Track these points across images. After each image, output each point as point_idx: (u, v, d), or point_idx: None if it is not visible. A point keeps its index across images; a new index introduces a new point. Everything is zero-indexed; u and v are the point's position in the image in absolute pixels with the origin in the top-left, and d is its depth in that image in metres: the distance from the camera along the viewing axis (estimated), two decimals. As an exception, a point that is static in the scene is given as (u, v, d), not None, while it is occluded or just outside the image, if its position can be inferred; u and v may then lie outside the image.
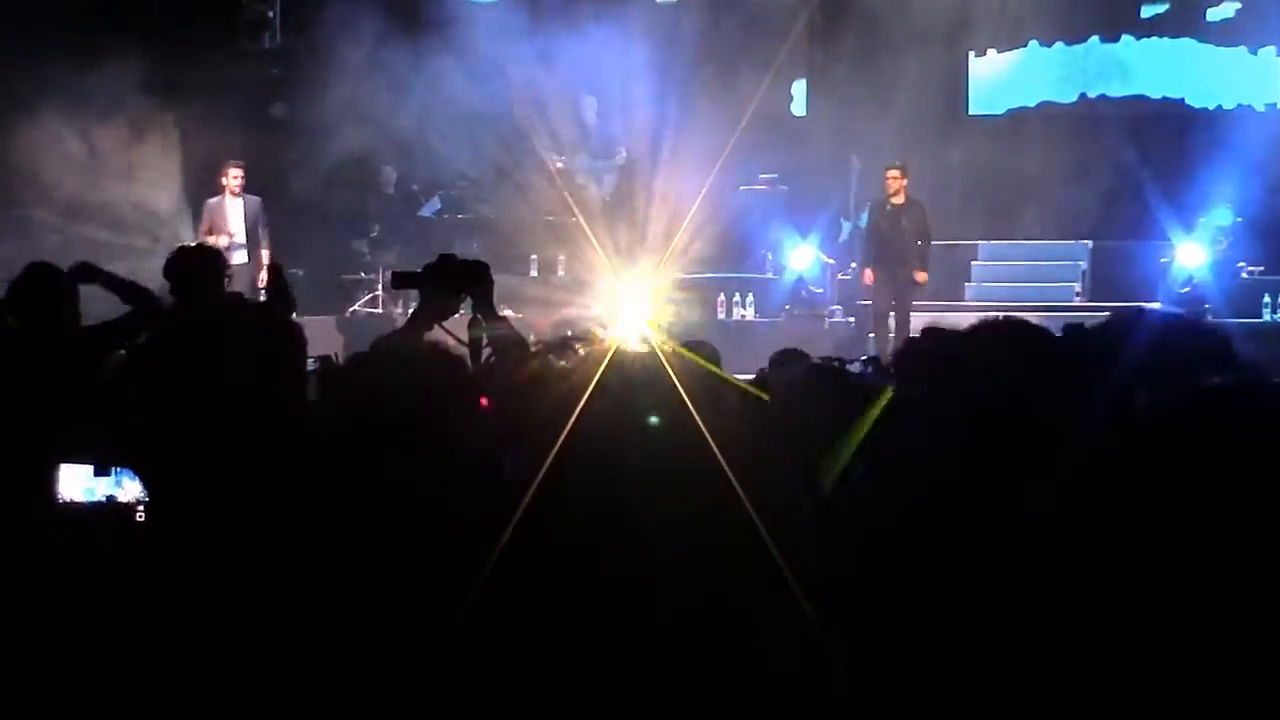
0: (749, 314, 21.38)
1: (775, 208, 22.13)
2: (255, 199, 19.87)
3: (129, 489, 4.61)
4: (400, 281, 5.94)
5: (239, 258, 19.10)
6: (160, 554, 3.52)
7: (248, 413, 4.75)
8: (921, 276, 19.28)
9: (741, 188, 22.47)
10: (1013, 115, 22.88)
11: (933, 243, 19.91)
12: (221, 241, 18.76)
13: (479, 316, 5.29)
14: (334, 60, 22.46)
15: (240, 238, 19.53)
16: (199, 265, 9.96)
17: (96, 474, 4.60)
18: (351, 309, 21.21)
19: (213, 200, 19.74)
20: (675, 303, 20.17)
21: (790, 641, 2.24)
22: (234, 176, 19.69)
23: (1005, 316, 4.45)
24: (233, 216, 19.62)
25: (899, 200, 19.44)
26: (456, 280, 5.33)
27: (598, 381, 2.10)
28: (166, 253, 10.35)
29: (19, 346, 8.41)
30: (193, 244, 13.96)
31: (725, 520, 2.62)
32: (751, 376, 8.97)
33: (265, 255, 19.27)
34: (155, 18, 21.18)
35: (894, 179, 19.40)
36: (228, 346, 4.19)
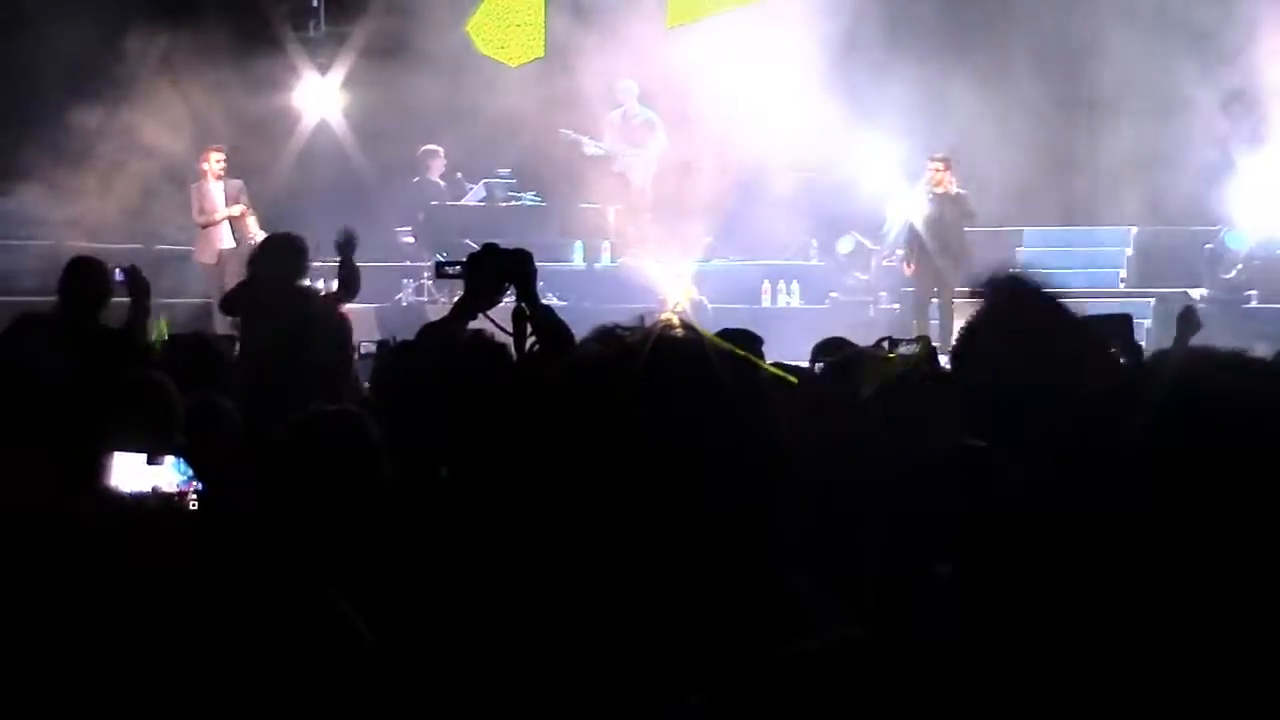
0: (794, 301, 21.37)
1: (819, 194, 22.09)
2: (237, 182, 20.07)
3: (181, 479, 4.65)
4: (444, 271, 5.95)
5: (226, 241, 19.41)
6: (214, 544, 3.56)
7: (308, 399, 4.78)
8: (908, 269, 19.53)
9: (784, 175, 22.45)
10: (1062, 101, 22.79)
11: (979, 229, 19.96)
12: (211, 227, 19.38)
13: (523, 305, 5.30)
14: (378, 49, 22.53)
15: (225, 221, 19.81)
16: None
17: (149, 463, 4.63)
18: (398, 296, 21.26)
19: (194, 185, 19.95)
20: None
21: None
22: (216, 160, 19.90)
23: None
24: (217, 199, 19.83)
25: (939, 190, 19.52)
26: (500, 270, 5.33)
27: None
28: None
29: (63, 336, 8.49)
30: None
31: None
32: (804, 364, 8.99)
33: (252, 225, 19.61)
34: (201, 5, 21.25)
35: (936, 171, 19.56)
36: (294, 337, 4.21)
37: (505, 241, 5.60)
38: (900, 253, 20.80)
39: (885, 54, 21.75)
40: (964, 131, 20.60)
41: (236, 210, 19.95)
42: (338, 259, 12.34)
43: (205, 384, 7.10)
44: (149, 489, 4.53)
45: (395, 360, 8.06)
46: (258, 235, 18.93)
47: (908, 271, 19.83)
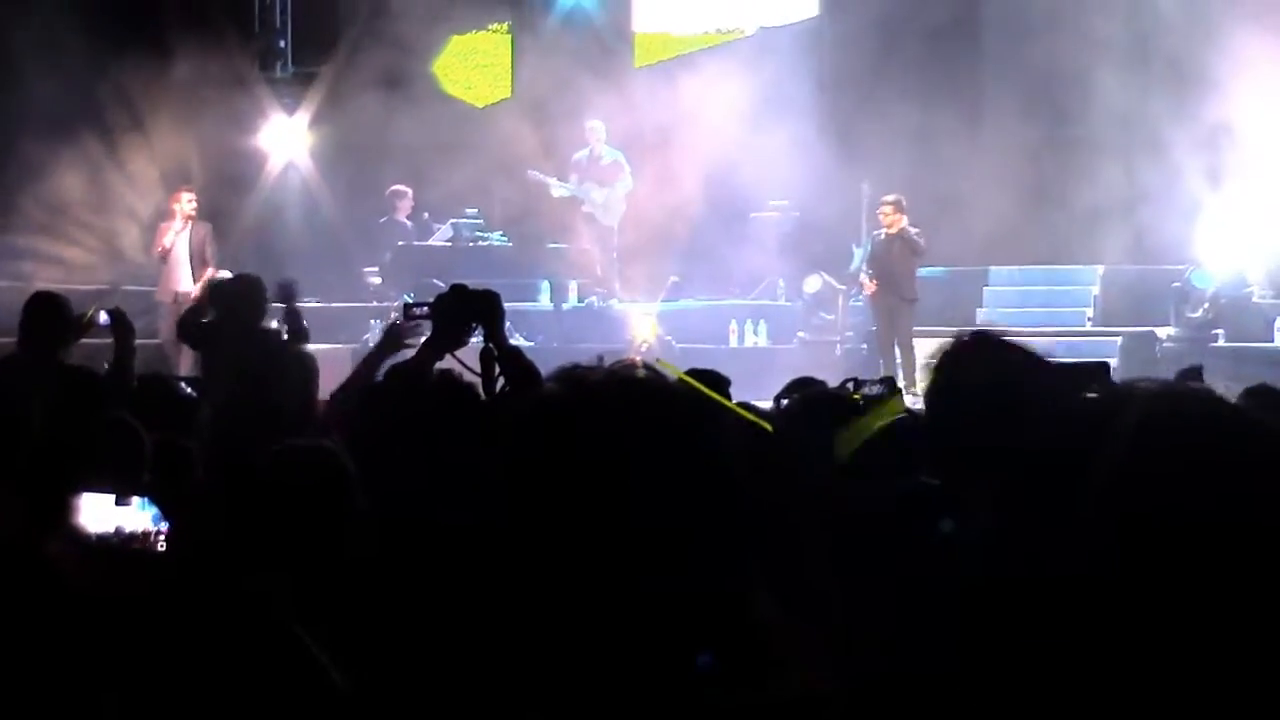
0: (761, 341, 21.39)
1: (786, 234, 22.16)
2: (205, 225, 19.96)
3: (148, 519, 4.64)
4: (411, 313, 5.97)
5: (185, 283, 19.30)
6: (182, 583, 3.55)
7: (272, 439, 4.78)
8: (868, 285, 19.59)
9: (752, 215, 22.51)
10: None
11: (945, 268, 20.04)
12: (176, 268, 19.18)
13: (490, 346, 5.31)
14: (346, 90, 22.55)
15: (185, 261, 19.66)
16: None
17: (117, 504, 4.63)
18: (366, 336, 21.21)
19: (161, 224, 19.80)
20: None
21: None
22: (188, 201, 19.78)
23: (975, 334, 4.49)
24: (179, 241, 19.68)
25: (892, 231, 19.62)
26: (467, 310, 5.35)
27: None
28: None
29: (27, 373, 8.46)
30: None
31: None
32: (768, 404, 9.01)
33: (210, 274, 19.56)
34: (170, 46, 21.21)
35: (884, 214, 19.65)
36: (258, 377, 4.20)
37: (473, 282, 5.62)
38: (863, 275, 20.89)
39: (854, 93, 21.87)
40: (931, 170, 20.67)
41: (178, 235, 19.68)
42: (281, 307, 12.32)
43: (168, 425, 7.08)
44: (115, 530, 4.52)
45: (361, 401, 8.06)
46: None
47: (868, 288, 19.79)
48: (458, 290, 5.42)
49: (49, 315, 9.33)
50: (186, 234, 19.71)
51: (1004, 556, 1.94)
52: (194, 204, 19.79)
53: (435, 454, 4.60)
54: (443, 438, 4.69)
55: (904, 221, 19.59)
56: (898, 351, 19.40)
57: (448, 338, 5.30)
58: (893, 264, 19.53)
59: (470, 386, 5.39)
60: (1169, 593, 1.83)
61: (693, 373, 8.78)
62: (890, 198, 19.78)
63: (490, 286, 5.60)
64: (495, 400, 5.15)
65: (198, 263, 19.77)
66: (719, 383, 8.56)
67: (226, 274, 19.75)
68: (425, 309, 5.54)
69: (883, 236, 19.73)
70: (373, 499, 4.56)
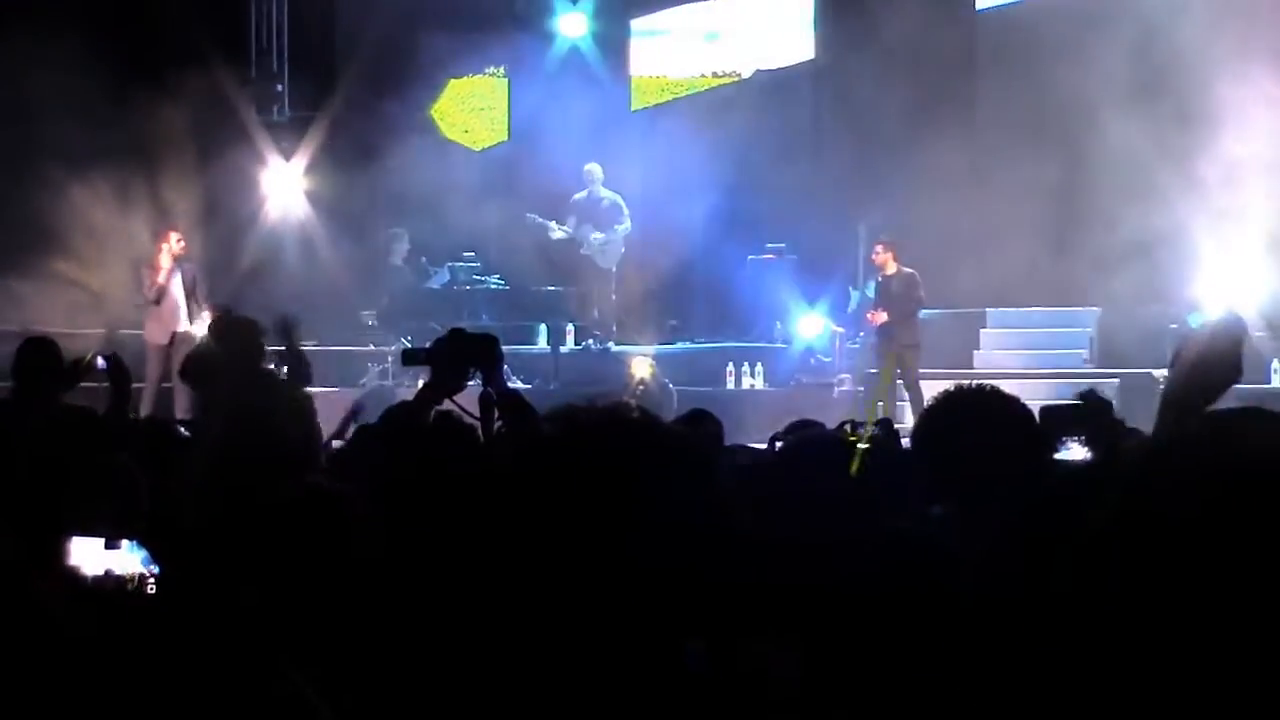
0: (758, 383, 21.38)
1: (783, 277, 22.17)
2: (192, 264, 19.94)
3: (138, 562, 4.61)
4: (410, 359, 5.95)
5: (183, 323, 19.31)
6: (172, 627, 3.52)
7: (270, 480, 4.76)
8: (879, 316, 19.59)
9: (750, 257, 22.52)
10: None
11: (943, 310, 20.06)
12: (167, 308, 19.17)
13: (489, 389, 5.30)
14: (343, 133, 22.58)
15: (181, 303, 19.66)
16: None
17: (107, 547, 4.60)
18: (363, 380, 21.20)
19: (147, 265, 19.68)
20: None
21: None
22: (176, 241, 19.75)
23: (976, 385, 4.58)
24: (174, 283, 19.68)
25: (889, 272, 19.74)
26: (466, 355, 5.34)
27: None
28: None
29: (21, 417, 8.44)
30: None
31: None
32: (763, 446, 9.00)
33: (207, 315, 19.61)
34: (167, 90, 21.23)
35: (876, 255, 19.83)
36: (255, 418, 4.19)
37: (470, 325, 5.62)
38: (862, 334, 20.94)
39: (851, 135, 21.91)
40: (929, 212, 20.70)
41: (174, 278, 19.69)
42: (280, 347, 12.17)
43: (165, 469, 7.06)
44: (106, 573, 4.50)
45: (359, 443, 8.06)
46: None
47: (876, 319, 19.84)
48: (456, 334, 5.41)
49: (42, 359, 9.33)
50: (178, 275, 19.70)
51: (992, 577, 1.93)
52: (182, 244, 19.77)
53: (434, 493, 4.58)
54: (442, 478, 4.67)
55: (894, 262, 19.71)
56: (904, 391, 19.43)
57: (446, 382, 5.29)
58: (893, 308, 19.65)
59: (470, 429, 5.38)
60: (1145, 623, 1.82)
61: (685, 415, 8.81)
62: (884, 237, 19.96)
63: (487, 329, 5.60)
64: (494, 443, 5.14)
65: (192, 302, 19.77)
66: (711, 422, 8.59)
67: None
68: (423, 354, 5.52)
69: (879, 279, 19.90)
70: (376, 540, 4.55)
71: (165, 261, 19.53)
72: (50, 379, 9.11)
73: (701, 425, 8.50)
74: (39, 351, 9.43)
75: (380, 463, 6.08)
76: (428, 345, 5.53)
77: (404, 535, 4.68)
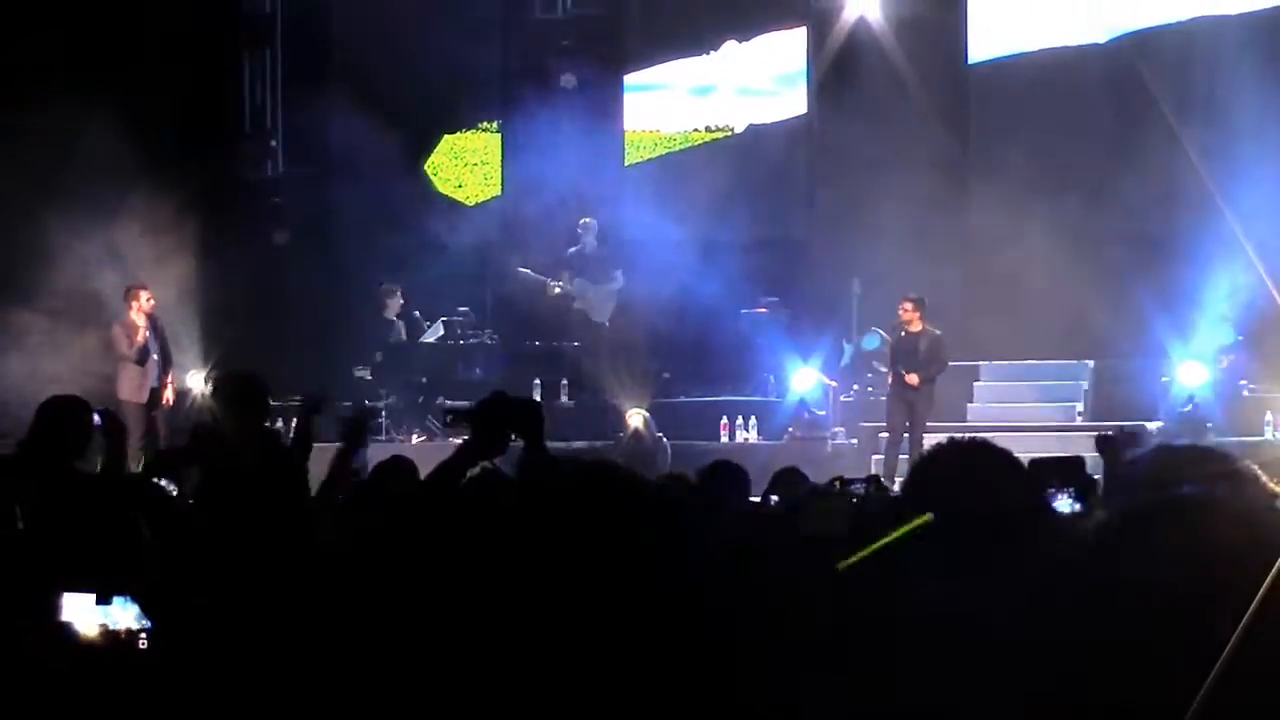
0: (752, 436, 21.38)
1: (777, 331, 22.20)
2: (160, 323, 19.94)
3: (131, 617, 4.62)
4: (455, 418, 5.92)
5: (157, 380, 19.30)
6: (164, 682, 3.53)
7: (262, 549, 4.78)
8: (911, 378, 19.58)
9: (743, 311, 22.55)
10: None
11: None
12: (150, 365, 19.18)
13: (530, 455, 5.29)
14: (336, 189, 22.62)
15: (156, 359, 19.67)
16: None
17: (98, 603, 4.60)
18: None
19: (119, 323, 19.60)
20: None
21: None
22: (146, 300, 19.71)
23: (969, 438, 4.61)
24: (151, 340, 19.65)
25: (914, 329, 19.80)
26: (509, 419, 5.32)
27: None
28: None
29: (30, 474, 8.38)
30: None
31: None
32: (757, 499, 9.02)
33: (172, 375, 19.68)
34: (161, 148, 21.26)
35: (904, 312, 19.83)
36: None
37: (462, 378, 5.63)
38: (855, 388, 21.04)
39: (844, 189, 21.98)
40: (921, 265, 20.75)
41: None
42: (297, 419, 12.05)
43: (158, 526, 7.04)
44: (98, 628, 4.50)
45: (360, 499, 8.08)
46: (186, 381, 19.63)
47: (910, 381, 19.81)
48: (499, 397, 5.39)
49: (69, 422, 9.06)
50: (152, 332, 19.68)
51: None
52: (151, 302, 19.74)
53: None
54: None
55: (921, 321, 19.77)
56: (907, 445, 19.45)
57: (487, 444, 5.26)
58: (915, 364, 19.67)
59: (510, 483, 5.36)
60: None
61: (711, 467, 8.84)
62: (913, 295, 19.95)
63: (481, 384, 5.60)
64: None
65: (164, 359, 19.77)
66: (735, 475, 8.69)
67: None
68: (465, 414, 5.51)
69: (903, 335, 19.89)
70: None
71: (140, 320, 19.50)
72: (74, 442, 8.91)
73: (717, 478, 8.59)
74: (70, 411, 9.16)
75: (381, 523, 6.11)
76: (470, 405, 5.50)
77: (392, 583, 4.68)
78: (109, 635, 4.46)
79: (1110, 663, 1.88)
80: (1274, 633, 1.83)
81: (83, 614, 4.53)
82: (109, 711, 3.30)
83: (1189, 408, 19.84)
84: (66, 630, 4.41)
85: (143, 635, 4.48)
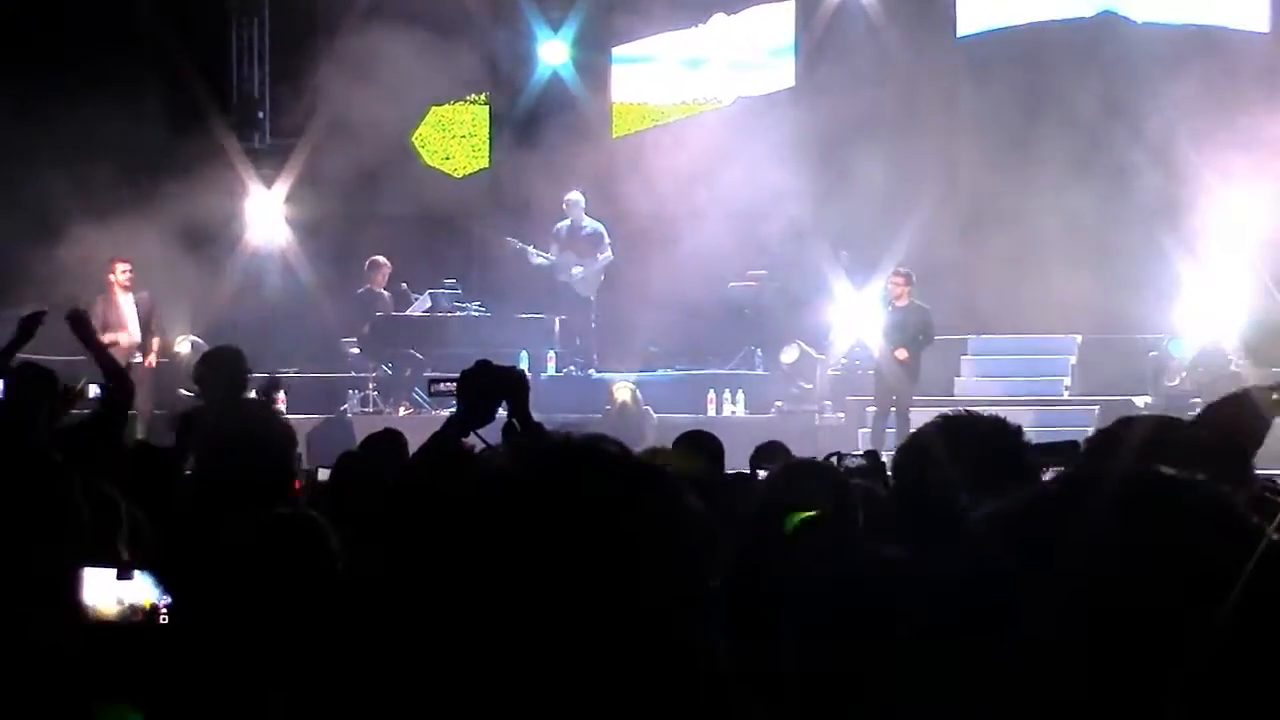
0: (739, 410, 21.39)
1: (764, 303, 22.21)
2: (145, 294, 19.90)
3: (150, 593, 4.62)
4: (438, 389, 5.90)
5: (135, 355, 19.24)
6: (184, 658, 3.53)
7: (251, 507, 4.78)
8: (900, 353, 19.56)
9: (731, 284, 22.55)
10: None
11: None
12: (122, 339, 18.93)
13: (514, 423, 5.27)
14: (324, 161, 22.57)
15: (135, 334, 19.62)
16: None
17: (119, 578, 4.60)
18: (343, 407, 21.18)
19: (100, 298, 19.55)
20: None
21: None
22: (122, 272, 19.67)
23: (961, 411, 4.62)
24: (127, 313, 19.62)
25: (901, 303, 19.75)
26: (495, 388, 5.29)
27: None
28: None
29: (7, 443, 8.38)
30: None
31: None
32: (746, 471, 9.03)
33: (156, 345, 19.65)
34: (148, 118, 21.24)
35: (894, 285, 19.81)
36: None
37: (450, 350, 5.63)
38: (843, 360, 21.09)
39: (832, 162, 21.97)
40: (909, 239, 20.76)
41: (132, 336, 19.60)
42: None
43: (158, 495, 7.04)
44: (118, 603, 4.50)
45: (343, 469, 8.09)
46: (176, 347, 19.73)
47: (899, 356, 19.76)
48: (484, 366, 5.36)
49: (38, 389, 9.14)
50: (131, 304, 19.63)
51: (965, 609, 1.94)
52: (129, 274, 19.69)
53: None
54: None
55: (912, 295, 19.76)
56: (894, 419, 19.43)
57: (475, 414, 5.23)
58: (903, 338, 19.65)
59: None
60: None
61: (685, 436, 8.83)
62: (902, 269, 19.95)
63: (467, 355, 5.56)
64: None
65: (147, 332, 19.73)
66: (710, 442, 8.66)
67: (193, 341, 19.94)
68: (451, 385, 5.48)
69: (891, 309, 19.88)
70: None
71: (118, 293, 19.49)
72: (42, 409, 8.94)
73: (699, 446, 8.58)
74: (36, 381, 9.21)
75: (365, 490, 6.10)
76: (455, 376, 5.47)
77: (377, 556, 4.68)
78: (130, 611, 4.47)
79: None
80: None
81: (103, 589, 4.53)
82: (130, 687, 3.30)
83: (1176, 383, 19.87)
84: (86, 606, 4.41)
85: (163, 610, 4.49)
